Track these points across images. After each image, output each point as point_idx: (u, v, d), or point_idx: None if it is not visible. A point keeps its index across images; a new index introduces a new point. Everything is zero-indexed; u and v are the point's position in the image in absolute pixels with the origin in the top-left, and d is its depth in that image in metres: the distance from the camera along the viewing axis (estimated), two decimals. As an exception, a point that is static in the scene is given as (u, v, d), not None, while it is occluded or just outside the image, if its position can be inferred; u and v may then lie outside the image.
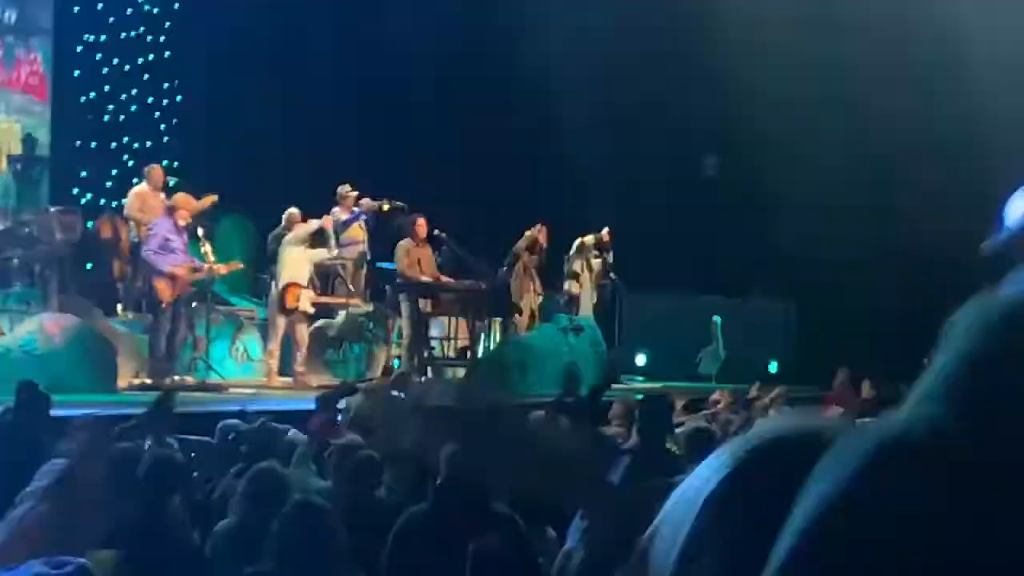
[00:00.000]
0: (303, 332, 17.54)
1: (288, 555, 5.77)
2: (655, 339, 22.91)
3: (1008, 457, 1.13)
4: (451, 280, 18.72)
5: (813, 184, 21.53)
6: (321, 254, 18.05)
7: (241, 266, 17.77)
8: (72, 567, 4.95)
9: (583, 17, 23.42)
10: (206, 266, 16.50)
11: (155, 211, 17.37)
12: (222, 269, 16.78)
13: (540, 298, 20.03)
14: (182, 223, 16.05)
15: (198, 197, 17.36)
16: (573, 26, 23.22)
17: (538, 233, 19.58)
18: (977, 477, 1.12)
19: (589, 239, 20.26)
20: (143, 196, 18.09)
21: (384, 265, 19.28)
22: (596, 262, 20.44)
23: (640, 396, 9.32)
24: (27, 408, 9.68)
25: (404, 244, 18.45)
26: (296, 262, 17.40)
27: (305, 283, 17.32)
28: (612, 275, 20.87)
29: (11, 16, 22.93)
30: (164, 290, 15.74)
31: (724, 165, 20.19)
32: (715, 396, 13.61)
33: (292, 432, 9.01)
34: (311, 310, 17.59)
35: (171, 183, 18.83)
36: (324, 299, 17.88)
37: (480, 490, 6.86)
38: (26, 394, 9.83)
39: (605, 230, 20.35)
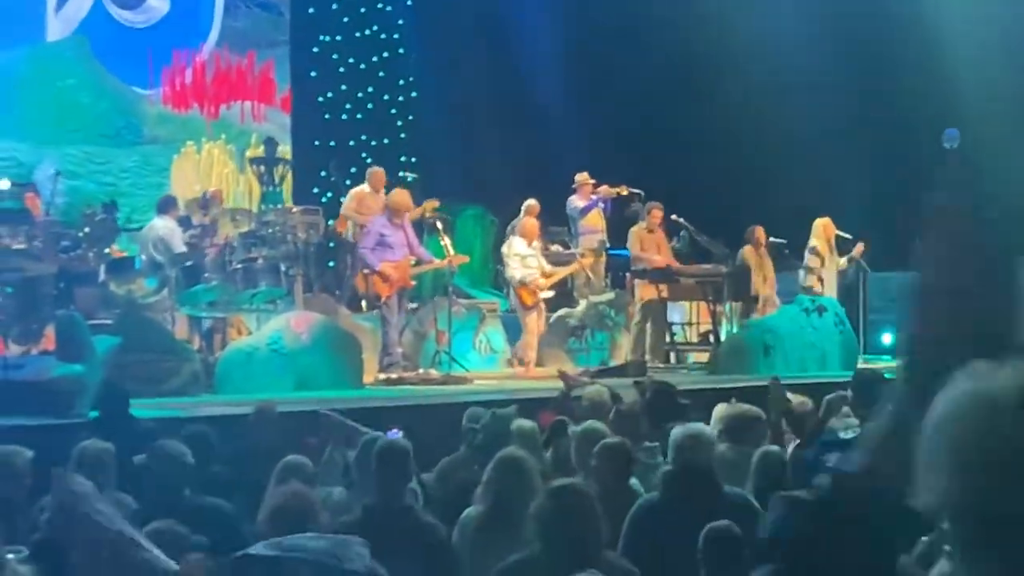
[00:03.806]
0: (541, 323, 17.57)
1: (554, 539, 5.76)
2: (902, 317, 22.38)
3: None
4: (684, 265, 18.57)
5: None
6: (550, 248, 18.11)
7: (466, 259, 17.75)
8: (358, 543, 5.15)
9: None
10: (430, 259, 16.63)
11: (374, 212, 17.64)
12: (442, 263, 16.79)
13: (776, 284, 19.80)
14: (398, 220, 16.15)
15: (430, 193, 17.60)
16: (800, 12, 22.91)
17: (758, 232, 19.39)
18: None
19: (828, 221, 19.91)
20: (360, 197, 18.45)
21: (619, 252, 19.25)
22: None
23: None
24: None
25: (636, 230, 18.42)
26: (525, 257, 17.38)
27: (536, 276, 17.29)
28: (855, 255, 20.53)
29: (257, 27, 23.53)
30: (381, 287, 15.87)
31: (963, 136, 19.59)
32: None
33: (521, 420, 8.97)
34: (546, 299, 17.60)
35: (409, 179, 19.08)
36: (556, 277, 17.77)
37: (711, 475, 6.79)
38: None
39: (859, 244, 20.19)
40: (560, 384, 12.20)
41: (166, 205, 16.70)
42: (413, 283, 16.65)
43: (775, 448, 7.87)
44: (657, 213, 18.43)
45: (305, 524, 5.73)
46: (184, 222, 17.05)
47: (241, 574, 5.25)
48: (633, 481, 7.60)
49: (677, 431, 7.06)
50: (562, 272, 17.89)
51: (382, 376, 15.71)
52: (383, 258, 15.86)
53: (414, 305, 17.26)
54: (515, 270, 17.28)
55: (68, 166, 20.58)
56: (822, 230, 19.72)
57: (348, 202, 18.62)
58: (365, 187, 18.53)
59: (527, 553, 5.85)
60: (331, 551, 5.09)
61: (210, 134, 22.64)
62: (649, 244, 18.28)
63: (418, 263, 16.45)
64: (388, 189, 17.78)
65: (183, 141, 22.39)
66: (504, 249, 17.78)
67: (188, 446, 7.64)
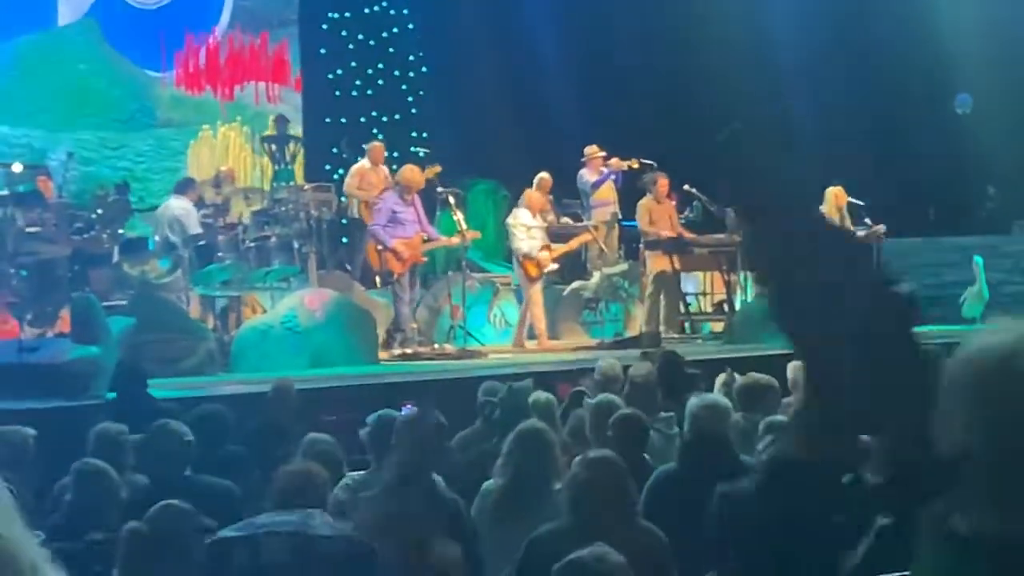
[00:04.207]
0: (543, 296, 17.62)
1: (588, 509, 5.79)
2: (915, 283, 22.26)
3: None
4: (695, 235, 18.49)
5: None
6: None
7: (478, 235, 17.71)
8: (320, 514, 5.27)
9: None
10: (437, 237, 16.60)
11: (376, 187, 17.67)
12: (454, 240, 16.78)
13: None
14: (409, 197, 16.13)
15: (430, 164, 17.56)
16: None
17: None
18: None
19: (840, 190, 19.83)
20: (361, 173, 18.46)
21: (632, 224, 19.21)
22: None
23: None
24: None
25: (644, 203, 18.34)
26: (530, 229, 17.38)
27: (540, 249, 17.28)
28: (867, 220, 20.44)
29: (268, 7, 23.42)
30: (394, 263, 15.87)
31: (977, 102, 19.57)
32: None
33: (538, 393, 8.98)
34: (554, 269, 17.64)
35: (421, 154, 19.05)
36: (560, 251, 17.77)
37: (727, 445, 6.79)
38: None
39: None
40: (574, 356, 12.22)
41: (184, 186, 16.77)
42: (425, 259, 16.66)
43: (781, 418, 7.88)
44: (663, 183, 18.33)
45: (314, 502, 5.74)
46: (197, 202, 17.05)
47: (221, 558, 5.30)
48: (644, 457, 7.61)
49: (693, 401, 7.08)
50: (565, 247, 17.88)
51: (397, 351, 15.72)
52: (395, 235, 15.86)
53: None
54: (521, 242, 17.28)
55: (83, 151, 20.49)
56: (833, 198, 19.63)
57: (349, 179, 18.61)
58: (365, 162, 18.55)
59: (559, 523, 5.87)
60: (300, 522, 5.18)
61: (225, 116, 22.55)
62: (658, 215, 18.20)
63: (428, 240, 16.43)
64: (398, 164, 17.76)
65: (198, 124, 22.28)
66: (509, 220, 17.75)
67: (199, 426, 7.64)
